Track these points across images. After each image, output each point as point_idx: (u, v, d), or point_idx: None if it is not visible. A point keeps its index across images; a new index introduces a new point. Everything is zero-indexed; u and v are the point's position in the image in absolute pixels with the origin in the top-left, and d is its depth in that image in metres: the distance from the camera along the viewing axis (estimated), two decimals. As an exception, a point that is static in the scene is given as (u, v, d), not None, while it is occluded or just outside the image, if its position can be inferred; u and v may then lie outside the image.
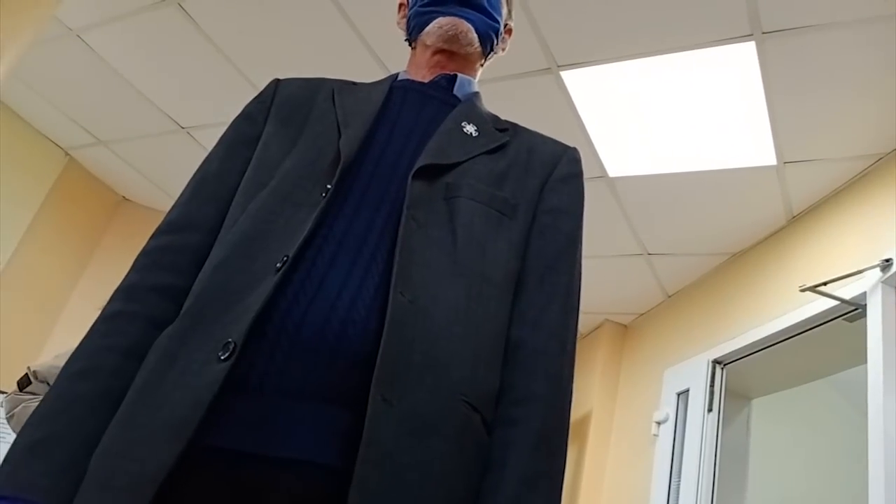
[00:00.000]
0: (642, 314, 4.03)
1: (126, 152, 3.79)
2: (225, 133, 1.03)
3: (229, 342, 0.75)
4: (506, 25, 1.18)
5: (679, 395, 3.22)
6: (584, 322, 4.24)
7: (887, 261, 2.10)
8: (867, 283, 2.18)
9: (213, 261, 0.87)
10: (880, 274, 2.11)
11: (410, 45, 1.17)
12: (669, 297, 3.79)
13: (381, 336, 0.76)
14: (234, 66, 2.92)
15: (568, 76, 2.55)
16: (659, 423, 3.29)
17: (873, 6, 2.01)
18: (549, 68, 2.53)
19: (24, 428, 0.78)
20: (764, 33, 2.18)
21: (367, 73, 2.70)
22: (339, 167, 0.89)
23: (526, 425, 0.81)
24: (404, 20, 1.16)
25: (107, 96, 3.32)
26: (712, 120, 2.58)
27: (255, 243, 0.85)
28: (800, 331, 2.63)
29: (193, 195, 0.97)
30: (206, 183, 0.98)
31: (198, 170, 1.00)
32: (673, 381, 3.32)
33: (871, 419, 1.94)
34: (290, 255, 0.81)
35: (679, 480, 2.99)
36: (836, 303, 2.36)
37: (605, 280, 3.73)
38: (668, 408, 3.26)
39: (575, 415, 3.94)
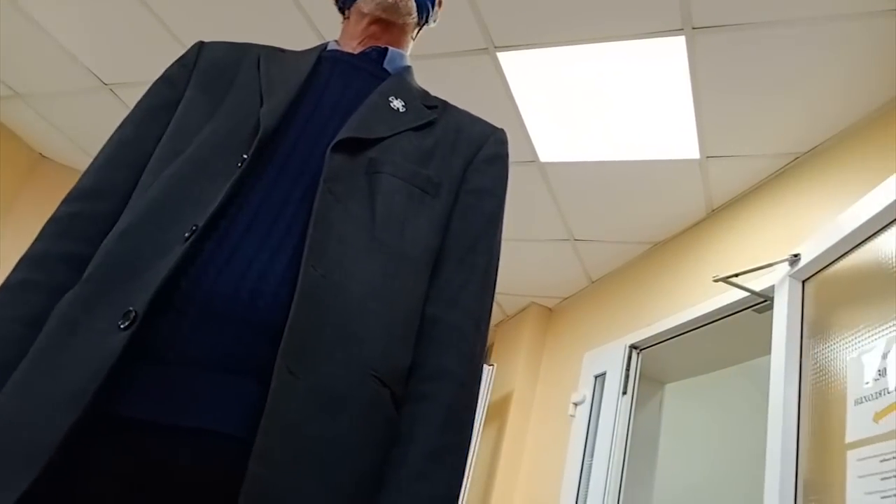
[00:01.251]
0: (566, 298, 4.11)
1: (45, 107, 3.61)
2: (143, 97, 1.00)
3: (130, 311, 0.73)
4: None
5: (597, 377, 3.31)
6: (511, 304, 4.30)
7: (796, 256, 2.19)
8: (776, 277, 2.27)
9: (121, 227, 0.84)
10: (788, 268, 2.20)
11: (343, 12, 1.16)
12: (593, 282, 3.88)
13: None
14: (161, 22, 2.82)
15: (504, 58, 2.56)
16: (576, 405, 3.38)
17: (801, 8, 2.08)
18: (486, 48, 2.53)
19: None
20: (694, 28, 2.24)
21: (304, 39, 2.64)
22: (258, 137, 0.87)
23: (435, 401, 0.82)
24: None
25: (26, 47, 3.15)
26: (641, 111, 2.64)
27: (166, 211, 0.82)
28: (712, 319, 2.73)
29: (107, 161, 0.94)
30: (121, 149, 0.95)
31: (113, 134, 0.97)
32: (591, 364, 3.40)
33: (772, 405, 2.04)
34: (201, 225, 0.79)
35: (592, 460, 3.08)
36: (746, 294, 2.46)
37: (532, 263, 3.79)
38: (585, 389, 3.35)
39: (498, 394, 3.98)
